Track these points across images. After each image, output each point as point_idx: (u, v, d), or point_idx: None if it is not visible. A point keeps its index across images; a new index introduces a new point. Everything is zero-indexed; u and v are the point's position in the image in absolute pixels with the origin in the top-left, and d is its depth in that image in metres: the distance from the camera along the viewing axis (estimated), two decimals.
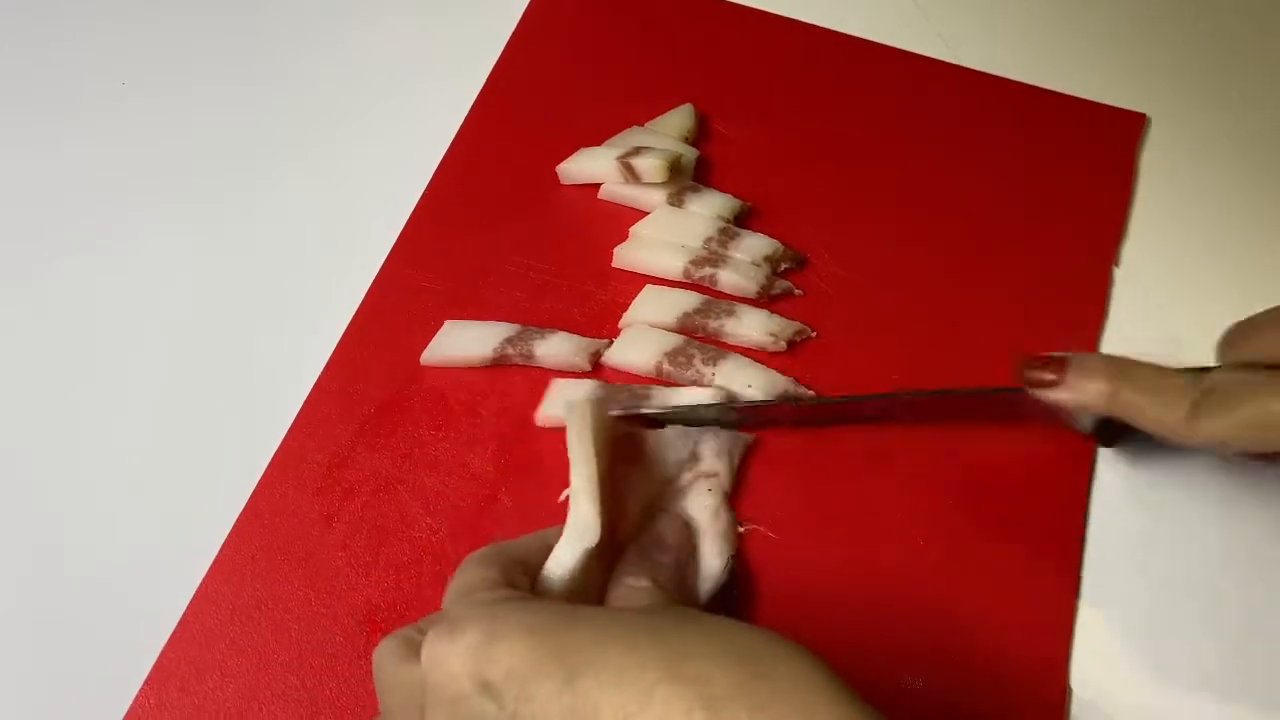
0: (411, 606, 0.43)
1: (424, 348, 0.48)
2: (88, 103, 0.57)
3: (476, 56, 0.57)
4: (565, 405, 0.41)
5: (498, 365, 0.48)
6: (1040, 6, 0.60)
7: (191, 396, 0.48)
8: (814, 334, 0.49)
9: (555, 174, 0.53)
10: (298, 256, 0.52)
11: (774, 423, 0.46)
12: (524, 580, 0.36)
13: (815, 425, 0.46)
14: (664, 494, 0.44)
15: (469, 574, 0.35)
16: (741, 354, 0.48)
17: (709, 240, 0.50)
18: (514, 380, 0.48)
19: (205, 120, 0.56)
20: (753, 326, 0.48)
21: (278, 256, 0.52)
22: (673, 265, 0.50)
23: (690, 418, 0.46)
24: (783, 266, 0.51)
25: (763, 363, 0.48)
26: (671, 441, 0.45)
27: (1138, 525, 0.45)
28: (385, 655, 0.33)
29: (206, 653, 0.42)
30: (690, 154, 0.53)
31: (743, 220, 0.52)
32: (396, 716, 0.32)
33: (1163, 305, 0.50)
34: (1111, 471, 0.46)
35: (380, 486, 0.45)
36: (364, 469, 0.46)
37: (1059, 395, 0.41)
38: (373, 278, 0.50)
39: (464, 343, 0.48)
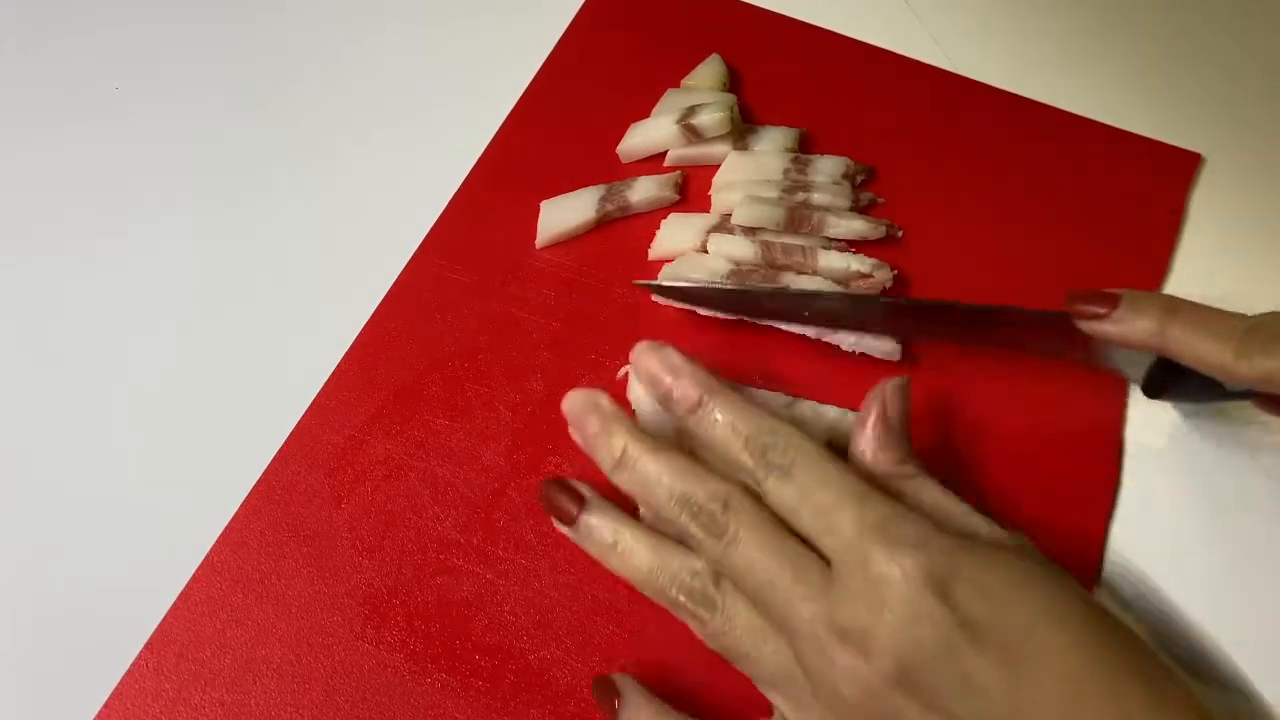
0: (412, 593, 0.43)
1: (447, 338, 0.49)
2: (96, 104, 0.58)
3: (517, 65, 0.57)
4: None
5: (601, 225, 0.52)
6: (1101, 40, 0.59)
7: (214, 373, 0.49)
8: (900, 233, 0.51)
9: (594, 167, 0.53)
10: (330, 243, 0.52)
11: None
12: None
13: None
14: None
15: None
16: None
17: (787, 171, 0.51)
18: (535, 379, 0.48)
19: (242, 114, 0.57)
20: (850, 224, 0.50)
21: (311, 243, 0.53)
22: (769, 196, 0.51)
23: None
24: (859, 179, 0.52)
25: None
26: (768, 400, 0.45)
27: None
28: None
29: (207, 622, 0.42)
30: (734, 99, 0.54)
31: (804, 147, 0.54)
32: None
33: None
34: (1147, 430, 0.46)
35: (392, 472, 0.46)
36: (377, 454, 0.46)
37: (1107, 329, 0.41)
38: (403, 266, 0.51)
39: (567, 214, 0.51)
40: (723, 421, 0.38)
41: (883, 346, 0.46)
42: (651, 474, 0.38)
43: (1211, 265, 0.51)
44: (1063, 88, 0.56)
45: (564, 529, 0.40)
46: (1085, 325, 0.42)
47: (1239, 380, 0.39)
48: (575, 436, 0.40)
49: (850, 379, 0.46)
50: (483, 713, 0.41)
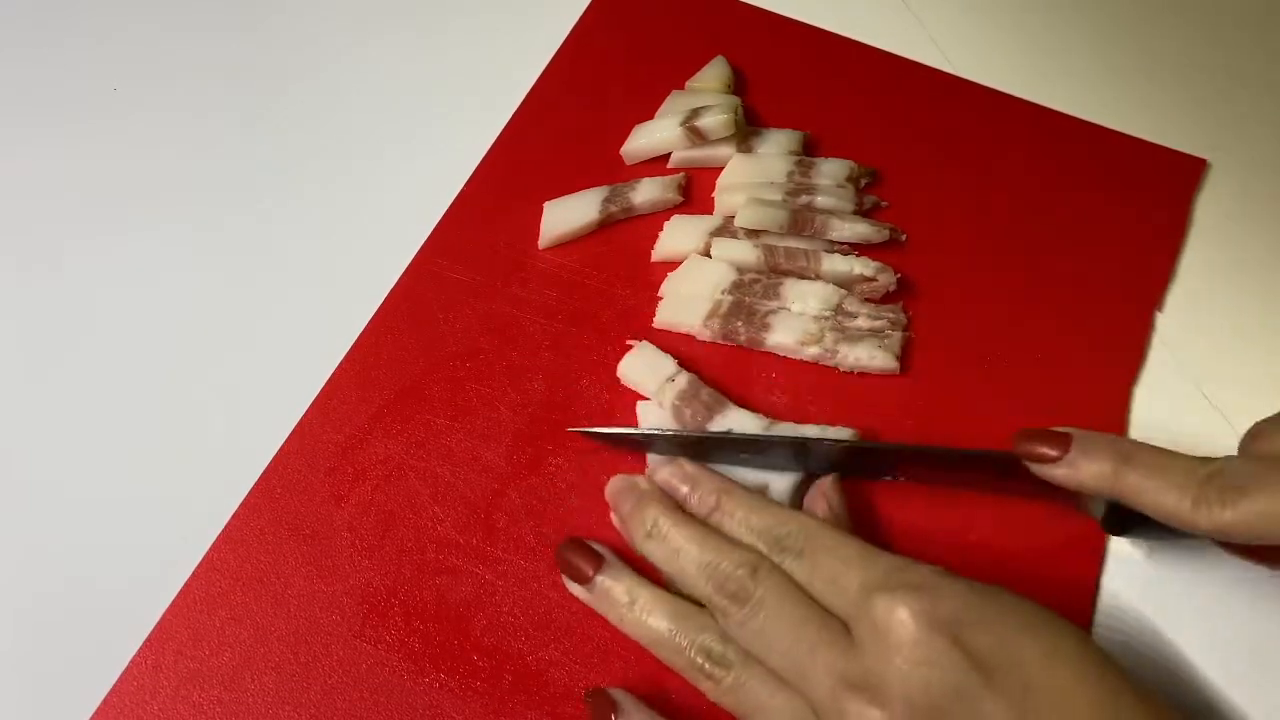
0: (411, 593, 0.43)
1: (448, 338, 0.49)
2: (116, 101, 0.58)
3: (522, 66, 0.57)
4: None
5: (604, 227, 0.52)
6: (1106, 45, 0.58)
7: (214, 371, 0.49)
8: (904, 237, 0.51)
9: (598, 168, 0.53)
10: (331, 242, 0.52)
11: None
12: None
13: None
14: None
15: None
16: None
17: (790, 174, 0.51)
18: (536, 380, 0.48)
19: (243, 114, 0.57)
20: (854, 227, 0.50)
21: (313, 242, 0.53)
22: (773, 199, 0.50)
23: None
24: (863, 183, 0.52)
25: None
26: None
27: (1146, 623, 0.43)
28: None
29: (206, 620, 0.42)
30: (739, 102, 0.54)
31: (808, 150, 0.54)
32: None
33: (1202, 355, 0.48)
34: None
35: (392, 472, 0.46)
36: (377, 453, 0.46)
37: (1058, 473, 0.39)
38: (405, 266, 0.51)
39: (570, 215, 0.51)
40: (739, 518, 0.40)
41: (881, 362, 0.46)
42: (680, 543, 0.39)
43: (1216, 271, 0.51)
44: (1067, 92, 0.56)
45: (577, 590, 0.42)
46: (1035, 469, 0.40)
47: (1196, 531, 0.37)
48: (614, 520, 0.43)
49: (848, 395, 0.47)
50: (480, 713, 0.40)
